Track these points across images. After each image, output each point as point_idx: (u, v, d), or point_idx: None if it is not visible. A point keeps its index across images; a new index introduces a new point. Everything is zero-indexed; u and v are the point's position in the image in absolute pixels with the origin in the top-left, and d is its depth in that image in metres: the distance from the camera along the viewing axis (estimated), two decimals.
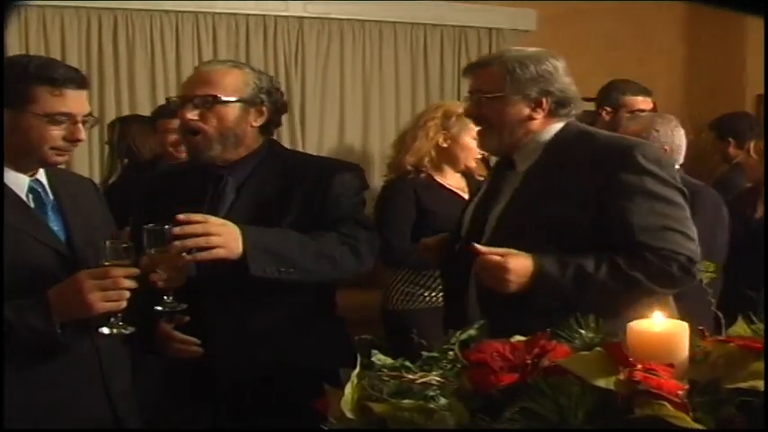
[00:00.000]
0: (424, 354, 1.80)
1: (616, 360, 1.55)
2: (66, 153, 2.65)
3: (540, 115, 2.87)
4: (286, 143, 6.79)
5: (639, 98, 5.20)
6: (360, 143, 7.25)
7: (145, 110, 6.37)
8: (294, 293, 2.96)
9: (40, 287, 2.48)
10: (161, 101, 6.37)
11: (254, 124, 3.03)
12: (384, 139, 7.17)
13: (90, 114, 2.68)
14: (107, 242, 2.50)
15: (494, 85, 2.87)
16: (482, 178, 4.57)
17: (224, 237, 2.70)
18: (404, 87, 7.39)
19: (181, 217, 2.66)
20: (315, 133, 7.09)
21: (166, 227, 2.61)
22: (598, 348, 1.62)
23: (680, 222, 2.72)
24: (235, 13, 6.83)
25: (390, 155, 4.96)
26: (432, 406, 1.56)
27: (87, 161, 6.47)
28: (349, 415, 1.62)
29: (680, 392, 1.50)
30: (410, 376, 1.64)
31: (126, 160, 5.59)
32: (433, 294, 4.34)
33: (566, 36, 7.69)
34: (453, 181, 4.60)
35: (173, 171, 3.71)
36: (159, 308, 2.67)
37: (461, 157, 4.56)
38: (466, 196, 4.38)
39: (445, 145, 4.51)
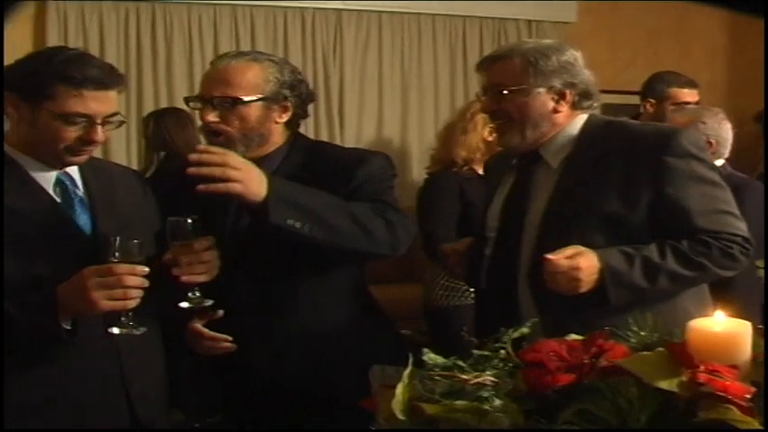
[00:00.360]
0: (475, 352, 1.75)
1: (678, 361, 1.49)
2: (83, 154, 2.51)
3: (564, 108, 2.75)
4: (324, 136, 6.80)
5: (685, 90, 5.09)
6: (398, 136, 7.23)
7: (182, 103, 6.34)
8: (335, 288, 2.88)
9: (60, 282, 2.37)
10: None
11: (279, 121, 2.88)
12: (423, 131, 7.15)
13: (115, 114, 2.50)
14: (115, 238, 2.38)
15: (515, 77, 2.72)
16: None
17: (244, 173, 2.53)
18: (442, 80, 7.36)
19: (200, 147, 2.58)
20: (353, 126, 7.08)
21: (189, 220, 2.50)
22: (660, 348, 1.56)
23: (730, 204, 2.67)
24: (273, 6, 6.83)
25: (434, 147, 4.89)
26: (486, 407, 1.51)
27: (126, 155, 6.48)
28: (400, 416, 1.57)
29: (747, 396, 1.44)
30: (464, 376, 1.59)
31: (162, 153, 5.58)
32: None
33: (606, 28, 7.62)
34: None
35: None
36: (185, 304, 2.55)
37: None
38: None
39: (491, 138, 4.42)
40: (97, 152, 5.95)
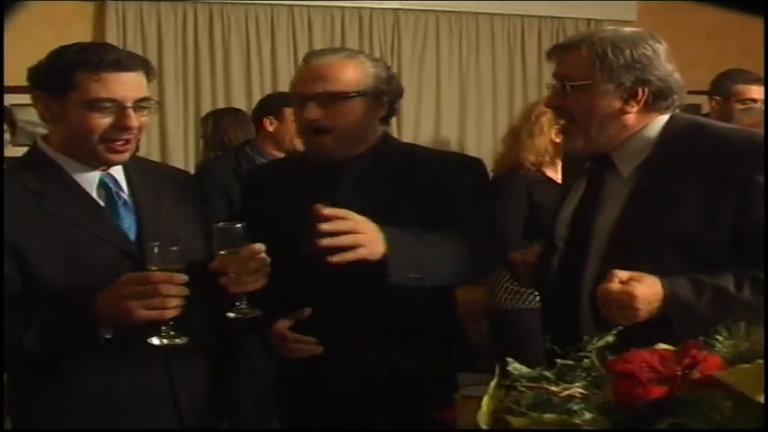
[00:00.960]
0: (559, 361, 1.68)
1: None
2: (121, 148, 2.43)
3: (633, 109, 2.46)
4: None
5: (753, 87, 4.98)
6: (456, 137, 7.17)
7: (240, 103, 6.37)
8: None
9: (103, 288, 2.31)
10: (256, 94, 6.38)
11: (377, 116, 2.81)
12: (481, 132, 7.11)
13: (146, 99, 2.44)
14: (154, 245, 2.30)
15: (581, 71, 2.44)
16: None
17: (368, 236, 2.43)
18: (501, 80, 7.30)
19: (326, 211, 2.40)
20: (411, 127, 7.03)
21: (238, 225, 2.41)
22: (759, 361, 1.49)
23: None
24: (330, 6, 6.81)
25: (499, 151, 4.81)
26: (576, 421, 1.45)
27: (183, 155, 6.50)
28: (485, 427, 1.51)
29: None
30: (553, 388, 1.53)
31: (220, 153, 5.57)
32: None
33: (666, 27, 7.46)
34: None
35: (273, 167, 3.53)
36: (232, 314, 2.43)
37: None
38: None
39: (558, 140, 4.33)
40: (156, 151, 5.97)
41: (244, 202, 3.02)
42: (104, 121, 2.37)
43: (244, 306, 2.43)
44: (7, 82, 5.94)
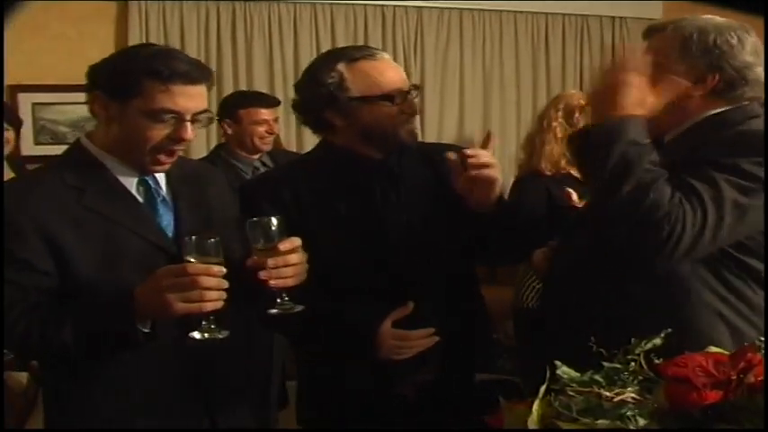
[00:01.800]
0: (606, 365, 1.64)
1: None
2: (166, 159, 2.41)
3: (698, 92, 2.41)
4: None
5: None
6: (479, 135, 7.07)
7: None
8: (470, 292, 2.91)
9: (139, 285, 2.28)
10: (278, 92, 6.35)
11: None
12: (505, 130, 7.09)
13: (204, 111, 2.40)
14: (190, 237, 2.25)
15: (662, 51, 2.41)
16: None
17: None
18: (524, 78, 7.28)
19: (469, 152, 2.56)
20: (434, 125, 7.02)
21: (274, 219, 2.34)
22: None
23: None
24: (353, 4, 6.79)
25: (520, 157, 4.76)
26: (631, 427, 1.41)
27: (206, 152, 6.45)
28: None
29: None
30: (605, 393, 1.48)
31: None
32: None
33: None
34: None
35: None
36: (274, 310, 2.37)
37: None
38: None
39: None
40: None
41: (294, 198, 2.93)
42: (162, 132, 2.34)
43: (286, 301, 2.36)
44: (28, 80, 5.94)
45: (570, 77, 7.32)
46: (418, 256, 2.73)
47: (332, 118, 2.75)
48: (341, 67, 2.71)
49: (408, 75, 6.46)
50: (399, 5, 6.90)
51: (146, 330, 2.24)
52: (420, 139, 6.39)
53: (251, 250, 2.36)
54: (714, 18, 2.48)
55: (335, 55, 2.79)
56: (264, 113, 4.99)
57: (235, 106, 5.05)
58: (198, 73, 2.36)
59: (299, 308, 2.36)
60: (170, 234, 2.46)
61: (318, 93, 2.72)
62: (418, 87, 2.84)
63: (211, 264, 2.20)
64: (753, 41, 2.41)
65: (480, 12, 7.12)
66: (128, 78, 2.30)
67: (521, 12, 7.22)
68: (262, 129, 4.97)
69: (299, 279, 2.37)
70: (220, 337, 2.25)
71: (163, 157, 2.39)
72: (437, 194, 2.76)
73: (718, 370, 1.44)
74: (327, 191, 2.78)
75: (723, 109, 2.41)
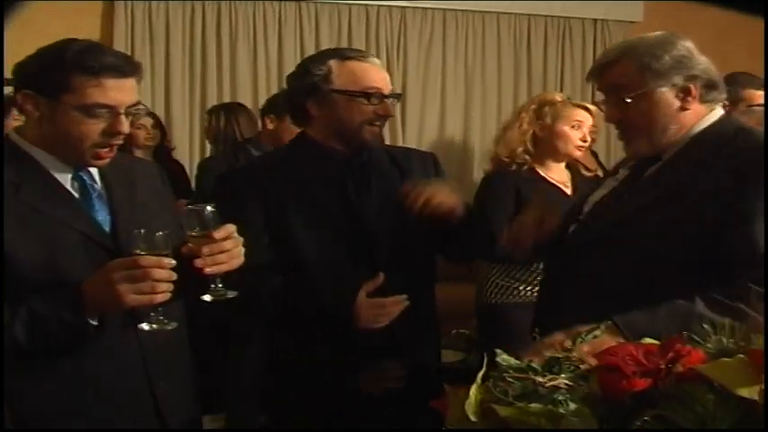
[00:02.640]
0: (547, 354, 1.72)
1: (759, 368, 1.46)
2: (106, 153, 2.41)
3: (690, 105, 2.51)
4: (386, 134, 6.78)
5: (761, 93, 4.97)
6: (460, 135, 7.23)
7: (246, 98, 6.42)
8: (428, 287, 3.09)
9: (80, 279, 2.29)
10: (262, 89, 6.44)
11: None
12: (485, 131, 7.15)
13: (136, 104, 2.42)
14: (140, 230, 2.27)
15: (634, 81, 2.52)
16: (588, 173, 4.47)
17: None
18: (506, 79, 7.34)
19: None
20: (415, 125, 7.10)
21: (209, 207, 2.37)
22: (740, 355, 1.53)
23: None
24: (337, 3, 6.87)
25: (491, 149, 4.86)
26: (561, 411, 1.49)
27: (189, 150, 6.56)
28: (472, 418, 1.55)
29: None
30: (539, 379, 1.57)
31: (223, 147, 5.60)
32: (529, 288, 4.23)
33: (673, 27, 7.40)
34: (557, 174, 4.45)
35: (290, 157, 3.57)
36: (207, 297, 2.40)
37: (559, 146, 4.39)
38: (569, 191, 4.26)
39: (541, 135, 4.37)
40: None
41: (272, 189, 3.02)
42: (97, 126, 2.35)
43: (220, 287, 2.40)
44: (6, 73, 5.98)
45: (551, 78, 7.39)
46: (389, 244, 2.90)
47: (311, 108, 2.90)
48: (332, 62, 2.89)
49: (391, 74, 6.53)
50: (383, 5, 6.97)
51: (94, 323, 2.27)
52: (402, 136, 6.52)
53: (186, 237, 2.39)
54: (647, 37, 2.59)
55: (330, 52, 2.99)
56: None
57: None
58: (128, 66, 2.37)
59: (232, 294, 2.40)
60: (107, 228, 2.47)
61: (305, 82, 2.89)
62: (399, 95, 3.02)
63: (161, 256, 2.24)
64: (691, 46, 2.55)
65: (463, 12, 7.19)
66: (57, 75, 2.30)
67: (504, 13, 7.29)
68: None
69: (234, 265, 2.40)
70: (169, 328, 2.32)
71: (102, 152, 2.40)
72: (394, 191, 2.92)
73: (648, 359, 1.53)
74: (303, 181, 2.92)
75: (713, 121, 2.53)
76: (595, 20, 7.49)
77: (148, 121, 5.59)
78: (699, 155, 2.48)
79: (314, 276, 2.85)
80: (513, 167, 4.35)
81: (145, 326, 2.31)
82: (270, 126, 5.13)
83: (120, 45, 6.22)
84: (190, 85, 6.62)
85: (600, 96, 2.67)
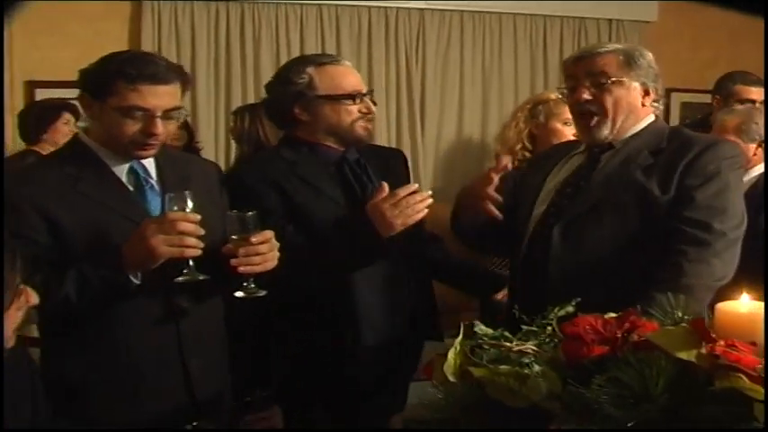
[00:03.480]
0: (524, 327, 1.94)
1: (699, 336, 1.67)
2: (147, 149, 2.73)
3: (647, 103, 2.99)
4: (406, 134, 6.99)
5: (752, 88, 5.14)
6: (478, 134, 7.34)
7: None
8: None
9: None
10: None
11: None
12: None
13: (176, 109, 2.73)
14: (170, 193, 2.62)
15: (618, 70, 2.93)
16: None
17: None
18: (523, 79, 7.45)
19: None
20: (434, 124, 7.22)
21: (249, 213, 2.69)
22: (683, 324, 1.74)
23: None
24: (357, 6, 7.00)
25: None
26: (526, 372, 1.71)
27: (214, 149, 6.74)
28: (451, 378, 1.78)
29: (758, 367, 1.61)
30: (507, 344, 1.79)
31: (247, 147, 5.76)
32: None
33: (688, 27, 7.62)
34: None
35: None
36: (239, 293, 2.71)
37: (554, 142, 4.58)
38: None
39: (536, 132, 4.59)
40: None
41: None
42: (134, 127, 2.67)
43: (252, 286, 2.70)
44: (45, 77, 6.16)
45: None
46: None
47: (299, 114, 3.18)
48: (310, 69, 3.16)
49: (410, 75, 6.71)
50: (402, 7, 7.08)
51: (137, 282, 2.57)
52: (420, 136, 6.67)
53: (228, 239, 2.70)
54: (620, 44, 3.19)
55: (305, 60, 3.27)
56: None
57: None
58: (165, 74, 2.68)
59: (262, 292, 2.71)
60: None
61: (289, 91, 3.16)
62: (372, 92, 3.26)
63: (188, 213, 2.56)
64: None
65: (480, 14, 7.28)
66: (103, 80, 2.65)
67: (520, 14, 7.38)
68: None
69: (267, 267, 2.72)
70: (200, 278, 2.62)
71: (140, 152, 2.73)
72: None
73: (605, 329, 1.74)
74: (310, 174, 3.19)
75: (650, 122, 3.04)
76: (610, 20, 7.57)
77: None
78: (647, 145, 2.93)
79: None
80: (515, 164, 4.56)
81: (179, 279, 2.62)
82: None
83: (146, 47, 6.39)
84: (215, 86, 6.76)
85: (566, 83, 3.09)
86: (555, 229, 2.90)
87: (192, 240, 2.55)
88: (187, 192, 2.63)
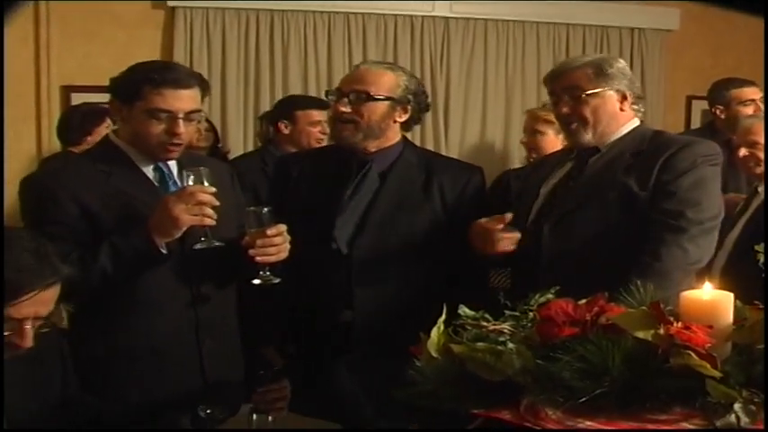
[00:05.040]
0: (507, 312, 2.13)
1: (657, 318, 1.84)
2: (171, 149, 3.03)
3: (626, 108, 3.22)
4: (430, 139, 7.10)
5: (746, 89, 5.32)
6: (501, 141, 7.46)
7: None
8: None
9: None
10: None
11: (398, 120, 3.48)
12: None
13: (196, 111, 3.03)
14: (186, 172, 2.91)
15: (591, 82, 3.18)
16: None
17: None
18: (545, 87, 7.43)
19: None
20: (457, 130, 7.34)
21: (265, 209, 2.98)
22: (643, 308, 1.92)
23: None
24: (383, 14, 7.14)
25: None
26: (501, 348, 1.89)
27: (243, 151, 6.81)
28: (434, 354, 1.97)
29: (707, 345, 1.78)
30: (485, 324, 1.98)
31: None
32: None
33: (710, 35, 7.70)
34: None
35: (314, 155, 4.12)
36: (256, 281, 3.01)
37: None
38: None
39: (525, 140, 4.94)
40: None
41: (277, 183, 3.56)
42: (159, 127, 2.96)
43: (267, 274, 3.00)
44: (81, 82, 6.36)
45: None
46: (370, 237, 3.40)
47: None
48: None
49: (434, 81, 6.87)
50: (427, 16, 7.20)
51: (164, 251, 2.85)
52: (444, 142, 6.80)
53: (246, 233, 2.99)
54: (593, 55, 3.54)
55: None
56: (319, 115, 5.53)
57: (292, 108, 5.61)
58: (187, 79, 2.99)
59: (277, 280, 3.01)
60: None
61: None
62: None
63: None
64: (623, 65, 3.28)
65: (504, 22, 7.39)
66: (132, 86, 2.95)
67: (543, 22, 7.49)
68: (316, 129, 5.53)
69: (281, 257, 3.00)
70: (216, 244, 2.91)
71: (167, 147, 3.01)
72: (423, 196, 3.45)
73: (576, 312, 1.93)
74: (312, 176, 3.52)
75: (635, 126, 3.28)
76: (632, 28, 7.66)
77: (202, 125, 5.98)
78: (629, 147, 3.15)
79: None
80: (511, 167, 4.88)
81: (198, 245, 2.92)
82: (285, 131, 5.55)
83: (179, 53, 6.61)
84: (244, 91, 6.92)
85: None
86: (545, 225, 3.10)
87: (209, 210, 2.84)
88: (202, 168, 2.92)
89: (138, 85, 2.94)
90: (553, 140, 5.13)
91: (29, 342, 2.20)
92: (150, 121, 2.95)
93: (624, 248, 3.03)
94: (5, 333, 2.16)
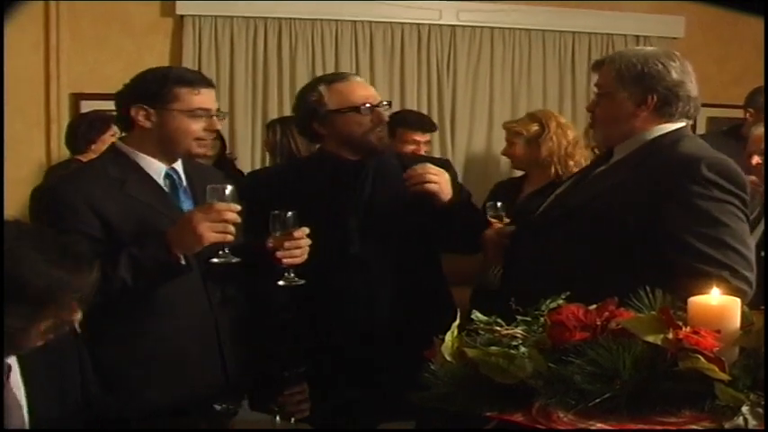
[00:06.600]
0: (519, 318, 2.17)
1: (666, 323, 1.88)
2: (206, 144, 3.18)
3: (643, 113, 3.01)
4: (436, 147, 7.09)
5: None
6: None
7: None
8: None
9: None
10: None
11: None
12: None
13: (219, 110, 3.19)
14: (210, 186, 2.96)
15: (606, 82, 3.10)
16: None
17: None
18: (551, 95, 7.56)
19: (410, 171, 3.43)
20: (464, 138, 7.36)
21: (289, 213, 3.06)
22: (653, 312, 1.96)
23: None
24: (391, 22, 7.16)
25: None
26: (514, 353, 1.93)
27: (250, 160, 6.96)
28: (448, 358, 2.01)
29: (715, 349, 1.82)
30: (499, 329, 2.02)
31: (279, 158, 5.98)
32: None
33: (715, 42, 7.71)
34: None
35: (298, 166, 4.30)
36: (281, 282, 3.11)
37: None
38: None
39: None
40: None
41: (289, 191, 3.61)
42: (199, 125, 3.10)
43: (292, 276, 3.11)
44: (90, 90, 6.40)
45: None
46: (378, 236, 3.48)
47: (317, 128, 3.54)
48: (321, 88, 3.53)
49: (441, 89, 6.90)
50: (434, 24, 7.22)
51: (183, 263, 2.91)
52: (451, 149, 6.85)
53: (271, 236, 3.08)
54: (642, 49, 3.18)
55: (318, 80, 3.66)
56: (419, 137, 5.85)
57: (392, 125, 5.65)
58: (210, 81, 3.18)
59: (301, 281, 3.10)
60: None
61: (305, 108, 3.54)
62: (389, 103, 3.64)
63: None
64: (678, 65, 3.03)
65: (511, 30, 7.41)
66: (165, 90, 3.05)
67: (549, 30, 7.49)
68: (410, 148, 5.74)
69: (304, 259, 3.12)
70: (233, 261, 2.97)
71: (203, 143, 3.14)
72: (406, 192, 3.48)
73: (586, 317, 1.97)
74: (317, 183, 3.53)
75: (660, 133, 3.03)
76: (637, 36, 7.62)
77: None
78: (638, 159, 2.99)
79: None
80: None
81: (215, 260, 2.98)
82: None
83: (188, 61, 6.62)
84: (252, 99, 6.95)
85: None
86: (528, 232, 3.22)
87: (231, 228, 2.91)
88: (227, 186, 2.97)
89: (172, 88, 3.06)
90: (523, 150, 5.33)
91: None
92: (191, 121, 3.08)
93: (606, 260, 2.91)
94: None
